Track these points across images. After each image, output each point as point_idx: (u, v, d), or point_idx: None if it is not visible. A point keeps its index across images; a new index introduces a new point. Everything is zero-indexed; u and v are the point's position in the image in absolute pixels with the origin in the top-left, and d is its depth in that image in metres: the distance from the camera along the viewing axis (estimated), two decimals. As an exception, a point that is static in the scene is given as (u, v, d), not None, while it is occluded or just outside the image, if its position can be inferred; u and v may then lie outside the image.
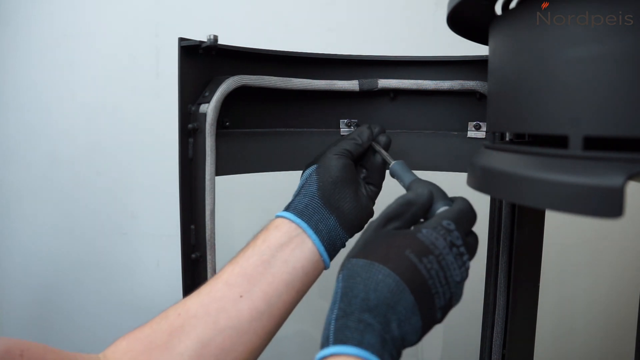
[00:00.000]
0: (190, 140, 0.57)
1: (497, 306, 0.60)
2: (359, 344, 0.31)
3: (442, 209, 0.42)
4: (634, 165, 0.29)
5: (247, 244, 0.49)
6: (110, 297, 1.13)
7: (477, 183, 0.42)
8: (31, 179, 1.14)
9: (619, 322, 1.12)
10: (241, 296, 0.44)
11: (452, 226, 0.39)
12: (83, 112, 1.10)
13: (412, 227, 0.40)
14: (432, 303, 0.36)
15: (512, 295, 0.58)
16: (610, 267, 1.13)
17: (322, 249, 0.49)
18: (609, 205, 0.29)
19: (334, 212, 0.50)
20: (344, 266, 0.38)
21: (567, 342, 1.15)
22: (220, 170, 0.58)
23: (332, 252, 0.51)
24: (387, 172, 0.56)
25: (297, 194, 0.53)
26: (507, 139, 0.55)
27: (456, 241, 0.38)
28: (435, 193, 0.43)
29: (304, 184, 0.53)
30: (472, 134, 0.65)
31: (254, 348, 0.45)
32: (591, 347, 1.15)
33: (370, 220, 0.42)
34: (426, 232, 0.38)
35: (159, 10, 1.07)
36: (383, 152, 0.56)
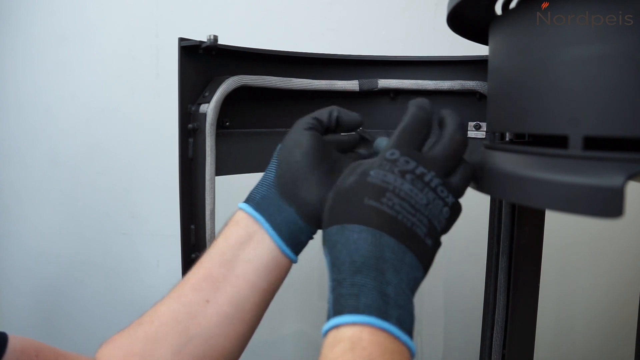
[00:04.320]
0: (191, 140, 0.57)
1: (497, 306, 0.60)
2: (355, 309, 0.30)
3: (384, 141, 0.39)
4: (634, 165, 0.29)
5: (212, 243, 0.46)
6: (111, 297, 1.13)
7: (477, 183, 0.42)
8: (31, 179, 1.14)
9: (619, 322, 1.12)
10: (207, 301, 0.42)
11: (396, 154, 0.36)
12: (83, 112, 1.10)
13: (362, 173, 0.37)
14: (414, 234, 0.34)
15: (512, 295, 0.58)
16: (610, 267, 1.13)
17: (282, 245, 0.44)
18: (609, 205, 0.29)
19: (293, 202, 0.44)
20: (323, 239, 0.36)
21: (567, 342, 1.15)
22: (220, 170, 0.59)
23: (296, 246, 0.46)
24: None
25: (256, 185, 0.47)
26: (507, 139, 0.55)
27: (405, 166, 0.36)
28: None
29: (267, 169, 0.47)
30: (472, 134, 0.65)
31: (227, 352, 0.43)
32: (591, 347, 1.15)
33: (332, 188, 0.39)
34: (374, 173, 0.36)
35: (159, 11, 1.07)
36: (367, 132, 0.52)
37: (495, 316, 0.60)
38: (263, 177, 0.47)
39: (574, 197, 0.30)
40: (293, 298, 1.05)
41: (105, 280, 1.14)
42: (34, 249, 1.16)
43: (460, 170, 0.38)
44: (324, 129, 0.49)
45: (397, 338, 0.30)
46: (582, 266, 1.13)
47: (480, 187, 0.41)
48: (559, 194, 0.31)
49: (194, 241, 0.58)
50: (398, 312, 0.31)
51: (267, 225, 0.44)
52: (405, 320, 0.31)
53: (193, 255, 0.57)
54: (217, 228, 0.57)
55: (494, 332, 0.60)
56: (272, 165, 0.46)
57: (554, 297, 1.12)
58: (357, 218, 0.34)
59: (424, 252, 0.35)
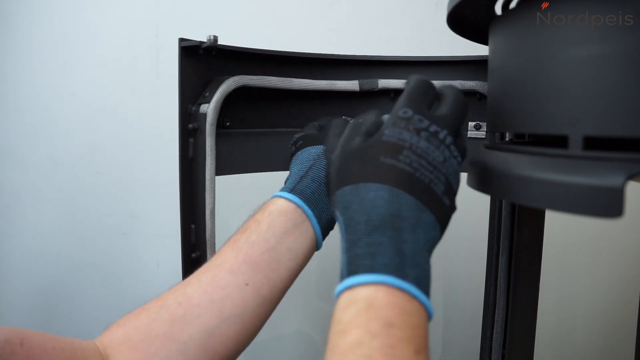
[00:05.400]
0: (191, 140, 0.57)
1: (497, 306, 0.60)
2: (370, 268, 0.30)
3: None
4: (634, 165, 0.29)
5: (248, 226, 0.47)
6: (111, 297, 1.13)
7: (477, 183, 0.42)
8: (31, 179, 1.14)
9: (619, 322, 1.12)
10: (247, 284, 0.44)
11: (409, 112, 0.36)
12: (83, 113, 1.10)
13: (367, 133, 0.38)
14: (432, 192, 0.34)
15: (512, 295, 0.58)
16: (610, 267, 1.13)
17: (320, 237, 0.49)
18: (609, 205, 0.29)
19: None
20: (334, 201, 0.36)
21: (567, 342, 1.15)
22: (220, 170, 0.59)
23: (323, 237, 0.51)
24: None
25: (303, 176, 0.50)
26: (507, 139, 0.55)
27: (419, 124, 0.36)
28: None
29: (311, 166, 0.50)
30: (472, 134, 0.65)
31: (255, 333, 0.45)
32: (591, 347, 1.15)
33: (335, 151, 0.40)
34: (388, 131, 0.35)
35: (159, 11, 1.07)
36: None
37: (495, 316, 0.60)
38: (311, 172, 0.50)
39: (574, 197, 0.30)
40: (292, 298, 1.05)
41: (105, 280, 1.14)
42: (33, 249, 1.16)
43: (463, 133, 0.39)
44: None
45: (414, 297, 0.29)
46: (582, 266, 1.13)
47: (480, 187, 0.41)
48: (559, 194, 0.31)
49: (194, 240, 0.58)
50: (415, 271, 0.30)
51: (314, 220, 0.48)
52: (422, 280, 0.30)
53: (193, 255, 0.57)
54: (217, 227, 0.57)
55: (494, 332, 0.60)
56: (321, 164, 0.50)
57: (554, 297, 1.12)
58: (373, 176, 0.34)
59: (441, 210, 0.34)
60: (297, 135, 0.58)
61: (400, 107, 0.37)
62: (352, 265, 0.31)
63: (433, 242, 0.34)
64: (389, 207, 0.32)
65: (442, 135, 0.36)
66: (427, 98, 0.38)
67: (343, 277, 0.31)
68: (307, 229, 0.48)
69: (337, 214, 0.35)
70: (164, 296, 0.44)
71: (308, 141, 0.55)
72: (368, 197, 0.33)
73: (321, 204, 0.49)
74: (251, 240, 0.46)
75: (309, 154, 0.53)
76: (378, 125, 0.38)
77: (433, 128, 0.36)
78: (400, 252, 0.30)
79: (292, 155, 0.56)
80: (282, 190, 0.49)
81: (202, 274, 0.45)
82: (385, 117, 0.41)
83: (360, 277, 0.30)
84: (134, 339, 0.41)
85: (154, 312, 0.43)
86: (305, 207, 0.48)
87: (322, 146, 0.52)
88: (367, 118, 0.39)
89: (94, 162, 1.11)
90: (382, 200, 0.32)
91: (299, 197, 0.48)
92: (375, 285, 0.29)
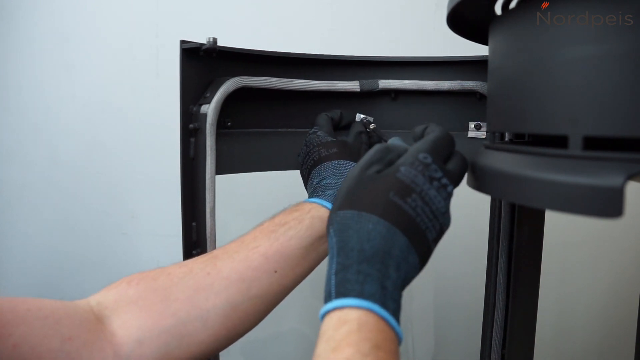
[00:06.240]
0: (192, 140, 0.57)
1: (497, 306, 0.60)
2: (360, 294, 0.32)
3: (398, 141, 0.43)
4: (634, 165, 0.29)
5: (287, 221, 0.50)
6: (111, 297, 1.13)
7: (477, 183, 0.42)
8: (32, 178, 1.14)
9: (619, 322, 1.12)
10: (276, 271, 0.46)
11: (429, 159, 0.39)
12: (84, 112, 1.10)
13: (389, 163, 0.40)
14: (424, 238, 0.37)
15: (512, 295, 0.58)
16: (610, 267, 1.13)
17: None
18: (609, 205, 0.29)
19: None
20: (332, 220, 0.38)
21: (567, 342, 1.15)
22: (221, 169, 0.59)
23: None
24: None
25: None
26: (507, 139, 0.55)
27: (435, 174, 0.38)
28: None
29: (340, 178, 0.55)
30: (472, 134, 0.65)
31: (266, 315, 0.48)
32: (591, 346, 1.16)
33: (351, 169, 0.43)
34: (404, 170, 0.38)
35: (159, 11, 1.07)
36: (381, 131, 0.58)
37: (495, 316, 0.60)
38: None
39: (573, 197, 0.30)
40: (289, 296, 1.05)
41: (105, 280, 1.13)
42: (33, 248, 1.16)
43: None
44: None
45: (392, 328, 0.32)
46: (582, 266, 1.13)
47: (480, 187, 0.41)
48: (559, 194, 0.31)
49: (195, 238, 0.58)
50: (393, 305, 0.33)
51: None
52: (397, 313, 0.34)
53: (194, 252, 0.58)
54: (217, 225, 0.58)
55: (494, 332, 0.60)
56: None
57: (554, 297, 1.12)
58: (377, 209, 0.36)
59: (426, 253, 0.38)
60: (328, 138, 0.60)
61: (422, 151, 0.39)
62: (342, 288, 0.33)
63: (409, 281, 0.37)
64: (383, 244, 0.35)
65: (449, 189, 0.39)
66: (446, 152, 0.41)
67: (331, 296, 0.33)
68: None
69: (331, 232, 0.37)
70: (188, 264, 0.45)
71: (342, 150, 0.58)
72: (366, 227, 0.35)
73: None
74: (289, 235, 0.48)
75: (343, 166, 0.57)
76: (399, 155, 0.41)
77: (444, 181, 0.39)
78: (384, 286, 0.33)
79: (322, 157, 0.58)
80: (324, 198, 0.53)
81: (233, 252, 0.47)
82: (398, 142, 0.46)
83: (350, 300, 0.32)
84: (150, 300, 0.41)
85: (177, 276, 0.43)
86: None
87: (353, 163, 0.56)
88: (393, 147, 0.42)
89: (94, 162, 1.11)
90: (378, 235, 0.35)
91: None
92: (365, 310, 0.32)
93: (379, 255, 0.34)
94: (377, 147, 0.42)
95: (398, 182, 0.37)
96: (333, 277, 0.34)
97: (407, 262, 0.35)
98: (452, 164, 0.41)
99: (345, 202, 0.38)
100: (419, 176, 0.37)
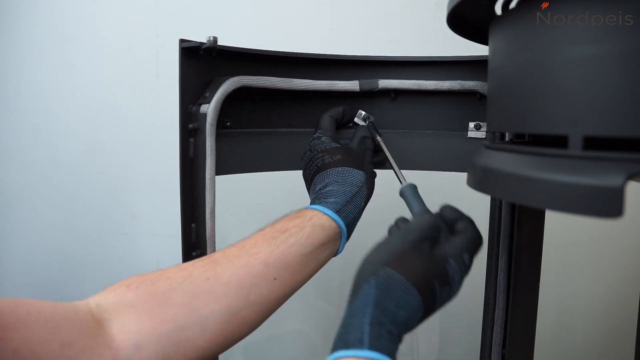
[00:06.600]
0: (191, 140, 0.57)
1: (497, 306, 0.60)
2: (390, 354, 0.35)
3: (462, 234, 0.46)
4: (634, 165, 0.29)
5: (288, 228, 0.50)
6: (111, 297, 1.13)
7: (477, 183, 0.42)
8: (32, 178, 1.14)
9: (619, 322, 1.12)
10: (275, 279, 0.47)
11: (468, 261, 0.45)
12: (84, 112, 1.10)
13: (440, 252, 0.44)
14: (436, 307, 0.43)
15: (512, 295, 0.58)
16: (610, 267, 1.13)
17: (342, 249, 0.56)
18: (609, 205, 0.29)
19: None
20: (377, 271, 0.40)
21: (567, 342, 1.15)
22: (221, 170, 0.59)
23: None
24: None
25: (349, 200, 0.56)
26: (507, 139, 0.55)
27: (466, 271, 0.45)
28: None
29: (356, 193, 0.56)
30: (472, 134, 0.65)
31: (265, 320, 0.49)
32: (591, 346, 1.16)
33: (405, 228, 0.45)
34: (453, 265, 0.43)
35: (159, 11, 1.07)
36: (396, 169, 0.59)
37: (495, 316, 0.60)
38: (355, 199, 0.56)
39: (573, 197, 0.30)
40: (293, 298, 1.05)
41: (105, 280, 1.13)
42: (33, 248, 1.16)
43: None
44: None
45: None
46: (582, 266, 1.13)
47: (480, 187, 0.41)
48: (559, 194, 0.31)
49: (194, 239, 0.58)
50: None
51: (344, 238, 0.55)
52: None
53: (194, 253, 0.57)
54: (217, 226, 0.57)
55: (494, 332, 0.60)
56: (363, 193, 0.57)
57: (554, 297, 1.12)
58: (420, 287, 0.40)
59: (429, 315, 0.43)
60: (333, 144, 0.60)
61: (468, 251, 0.45)
62: (377, 343, 0.36)
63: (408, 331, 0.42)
64: (410, 314, 0.39)
65: (465, 278, 0.45)
66: (477, 251, 0.48)
67: (364, 344, 0.35)
68: (336, 245, 0.55)
69: (373, 283, 0.39)
70: (187, 267, 0.45)
71: (346, 157, 0.59)
72: (407, 298, 0.39)
73: (353, 227, 0.57)
74: (290, 242, 0.49)
75: (354, 179, 0.58)
76: (440, 234, 0.45)
77: (467, 272, 0.45)
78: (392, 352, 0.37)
79: (326, 163, 0.59)
80: (326, 206, 0.54)
81: (233, 257, 0.47)
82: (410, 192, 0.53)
83: (384, 357, 0.35)
84: (149, 304, 0.41)
85: (176, 281, 0.43)
86: (344, 230, 0.55)
87: (363, 173, 0.58)
88: (439, 226, 0.46)
89: (94, 162, 1.11)
90: (411, 307, 0.39)
91: (342, 220, 0.54)
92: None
93: (405, 322, 0.38)
94: (431, 223, 0.45)
95: (444, 272, 0.42)
96: (367, 326, 0.36)
97: (414, 319, 0.40)
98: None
99: (396, 263, 0.40)
100: (457, 275, 0.43)
